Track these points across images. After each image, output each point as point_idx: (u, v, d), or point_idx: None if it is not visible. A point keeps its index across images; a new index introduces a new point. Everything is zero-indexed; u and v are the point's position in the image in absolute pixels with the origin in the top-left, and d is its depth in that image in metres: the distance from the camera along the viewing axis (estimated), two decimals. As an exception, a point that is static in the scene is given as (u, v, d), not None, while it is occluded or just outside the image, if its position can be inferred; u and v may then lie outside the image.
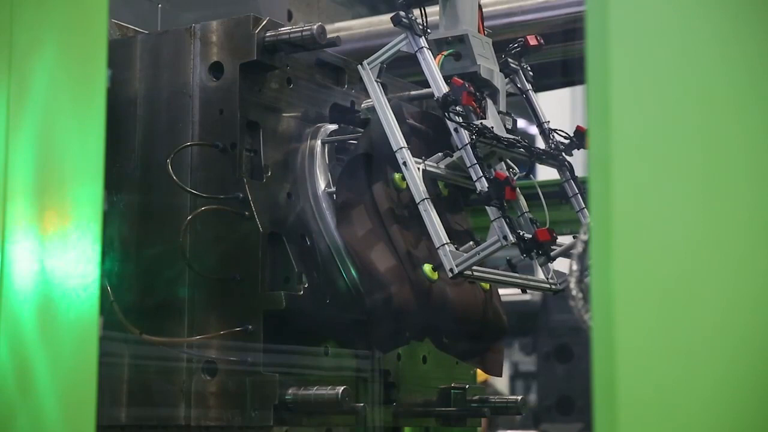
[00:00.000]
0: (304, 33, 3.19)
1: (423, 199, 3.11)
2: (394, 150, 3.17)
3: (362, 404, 3.25)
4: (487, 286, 3.40)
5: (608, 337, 1.92)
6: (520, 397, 3.77)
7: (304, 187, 3.30)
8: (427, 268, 3.14)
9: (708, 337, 1.99)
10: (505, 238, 3.04)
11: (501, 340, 3.49)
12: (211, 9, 3.71)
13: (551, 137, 3.48)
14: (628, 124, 1.99)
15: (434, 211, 3.11)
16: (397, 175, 3.23)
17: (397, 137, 3.17)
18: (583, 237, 2.19)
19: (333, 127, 3.41)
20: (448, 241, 3.08)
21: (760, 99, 2.08)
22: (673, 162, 2.02)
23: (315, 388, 3.06)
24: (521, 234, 3.09)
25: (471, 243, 3.19)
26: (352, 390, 3.13)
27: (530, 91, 3.53)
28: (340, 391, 3.03)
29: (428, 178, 3.19)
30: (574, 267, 2.19)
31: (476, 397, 3.67)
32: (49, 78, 2.77)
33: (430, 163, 3.21)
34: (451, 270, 3.06)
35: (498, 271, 3.33)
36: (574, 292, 2.14)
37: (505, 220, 3.05)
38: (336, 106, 3.48)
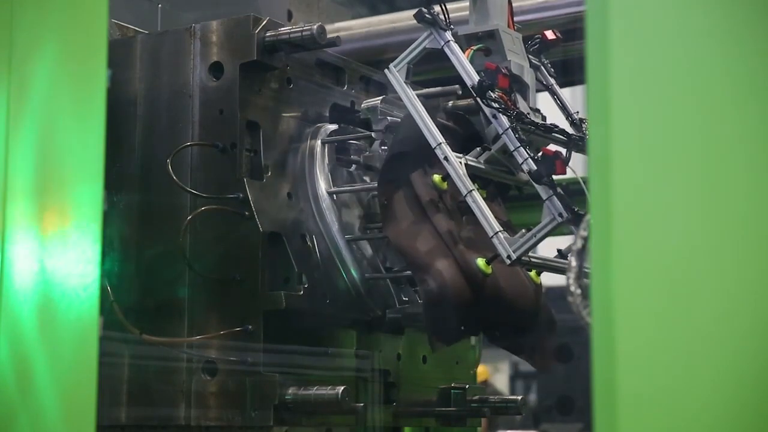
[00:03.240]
0: (304, 33, 3.19)
1: (470, 191, 3.08)
2: (433, 147, 3.13)
3: (362, 404, 3.25)
4: (538, 280, 3.36)
5: (608, 337, 1.92)
6: (520, 397, 3.77)
7: (304, 187, 3.30)
8: (480, 262, 3.10)
9: (708, 337, 1.99)
10: (560, 215, 2.96)
11: (552, 335, 3.46)
12: (211, 9, 3.71)
13: (583, 126, 3.44)
14: (628, 124, 1.99)
15: (483, 201, 3.08)
16: (436, 177, 3.19)
17: (435, 134, 3.14)
18: (583, 234, 2.19)
19: (333, 127, 3.41)
20: (501, 228, 3.04)
21: (760, 99, 2.08)
22: (673, 161, 2.02)
23: (315, 388, 3.06)
24: (576, 210, 2.99)
25: (523, 230, 3.10)
26: (352, 390, 3.13)
27: (554, 85, 3.52)
28: (340, 391, 3.03)
29: (469, 173, 3.15)
30: (573, 264, 2.19)
31: (476, 397, 3.67)
32: (49, 78, 2.77)
33: (471, 158, 3.19)
34: (509, 257, 3.01)
35: (552, 258, 3.27)
36: (572, 289, 2.14)
37: (558, 197, 2.97)
38: (336, 106, 3.48)
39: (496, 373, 14.02)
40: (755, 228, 2.04)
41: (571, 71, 3.77)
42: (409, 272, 3.34)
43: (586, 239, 2.18)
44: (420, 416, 3.62)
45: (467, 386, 3.67)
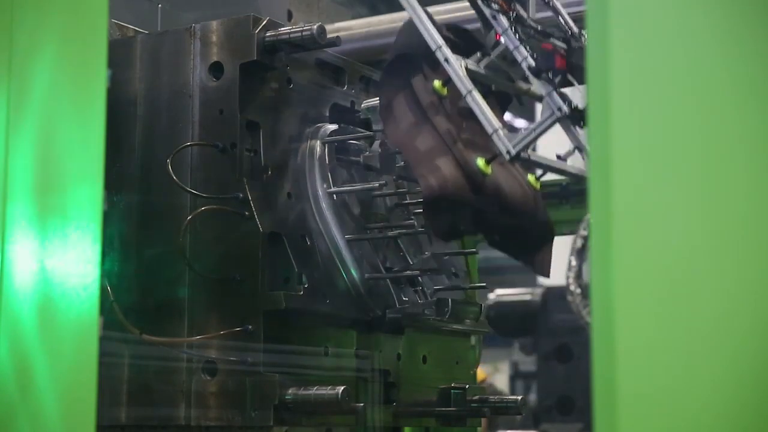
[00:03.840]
0: (304, 33, 3.19)
1: (470, 90, 3.07)
2: (433, 50, 3.11)
3: (362, 404, 3.25)
4: (537, 185, 3.35)
5: (608, 337, 1.92)
6: (520, 397, 3.77)
7: (304, 187, 3.30)
8: (480, 162, 3.10)
9: (708, 337, 1.99)
10: (560, 109, 2.95)
11: (551, 241, 3.45)
12: (211, 9, 3.71)
13: (582, 39, 3.42)
14: (628, 124, 1.99)
15: (482, 99, 3.07)
16: (436, 83, 3.19)
17: (435, 37, 3.12)
18: (583, 233, 2.20)
19: (333, 127, 3.41)
20: (501, 126, 3.04)
21: (760, 99, 2.08)
22: (673, 161, 2.02)
23: (315, 388, 3.06)
24: (575, 106, 2.98)
25: (522, 129, 3.09)
26: (352, 390, 3.13)
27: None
28: (340, 391, 3.03)
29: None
30: (573, 263, 2.19)
31: (476, 397, 3.67)
32: (49, 78, 2.77)
33: (471, 62, 3.17)
34: (509, 152, 3.01)
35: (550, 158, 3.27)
36: (572, 289, 2.14)
37: (558, 93, 2.95)
38: (336, 106, 3.48)
39: (496, 373, 14.02)
40: (755, 228, 2.04)
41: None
42: (409, 272, 3.34)
43: (586, 239, 2.18)
44: (420, 416, 3.62)
45: (467, 386, 3.67)
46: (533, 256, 3.39)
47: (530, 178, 3.29)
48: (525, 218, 3.29)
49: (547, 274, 3.43)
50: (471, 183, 3.11)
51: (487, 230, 3.32)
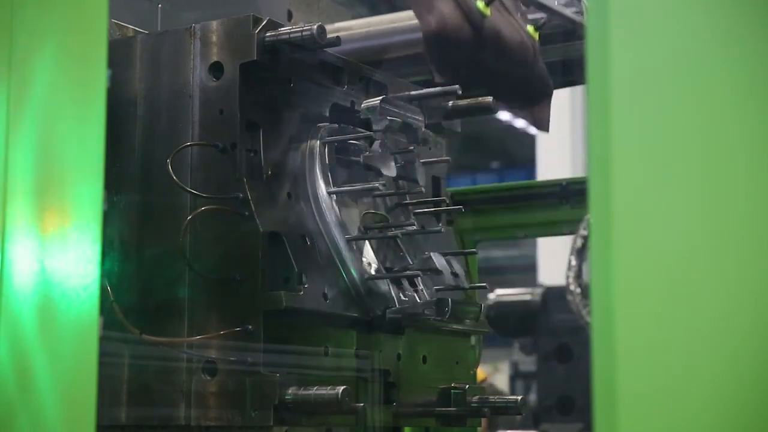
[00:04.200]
0: (304, 33, 3.19)
1: None
2: None
3: (362, 404, 3.25)
4: (536, 35, 3.33)
5: (608, 337, 1.92)
6: (520, 397, 3.77)
7: (304, 187, 3.30)
8: (480, 3, 3.10)
9: (708, 337, 1.99)
10: None
11: (550, 96, 3.43)
12: (211, 9, 3.71)
13: None
14: (628, 124, 1.99)
15: None
16: None
17: None
18: (583, 233, 2.20)
19: (333, 127, 3.41)
20: None
21: (760, 99, 2.08)
22: (673, 161, 2.02)
23: (315, 388, 3.06)
24: None
25: None
26: (352, 390, 3.13)
27: None
28: (340, 391, 3.03)
29: None
30: (573, 263, 2.20)
31: (476, 397, 3.67)
32: (49, 78, 2.77)
33: None
34: None
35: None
36: (572, 288, 2.15)
37: None
38: (336, 106, 3.47)
39: (495, 373, 14.01)
40: (755, 228, 2.04)
41: (571, 71, 3.77)
42: (409, 272, 3.34)
43: (586, 239, 2.18)
44: (420, 416, 3.62)
45: (467, 386, 3.67)
46: (532, 109, 3.40)
47: (529, 28, 3.29)
48: (524, 66, 3.29)
49: (546, 129, 3.43)
50: (470, 24, 3.10)
51: (486, 78, 3.30)
